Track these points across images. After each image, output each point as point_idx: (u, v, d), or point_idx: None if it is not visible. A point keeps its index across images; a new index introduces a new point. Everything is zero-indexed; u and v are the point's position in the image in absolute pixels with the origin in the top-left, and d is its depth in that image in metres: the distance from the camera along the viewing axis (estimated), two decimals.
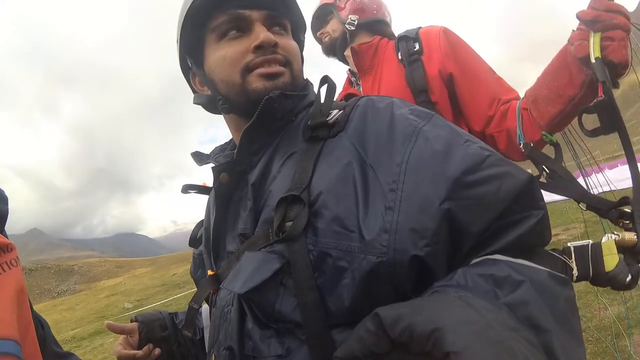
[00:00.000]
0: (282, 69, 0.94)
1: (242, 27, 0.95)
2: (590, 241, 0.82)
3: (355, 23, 1.97)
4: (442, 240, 0.70)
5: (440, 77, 1.66)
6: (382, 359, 0.54)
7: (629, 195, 0.98)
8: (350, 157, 0.80)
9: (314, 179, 0.81)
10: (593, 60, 1.08)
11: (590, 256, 0.80)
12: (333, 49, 2.01)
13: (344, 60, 2.07)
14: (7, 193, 1.13)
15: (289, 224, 0.77)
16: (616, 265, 0.80)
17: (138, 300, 24.09)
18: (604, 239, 0.85)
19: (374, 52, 1.88)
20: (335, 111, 0.91)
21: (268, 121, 0.93)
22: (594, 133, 1.08)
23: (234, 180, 0.95)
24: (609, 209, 0.97)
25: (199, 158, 1.12)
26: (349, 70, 2.06)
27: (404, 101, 0.91)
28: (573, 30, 1.20)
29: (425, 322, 0.50)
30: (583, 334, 3.85)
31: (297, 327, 0.74)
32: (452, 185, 0.71)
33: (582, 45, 1.13)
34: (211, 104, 1.02)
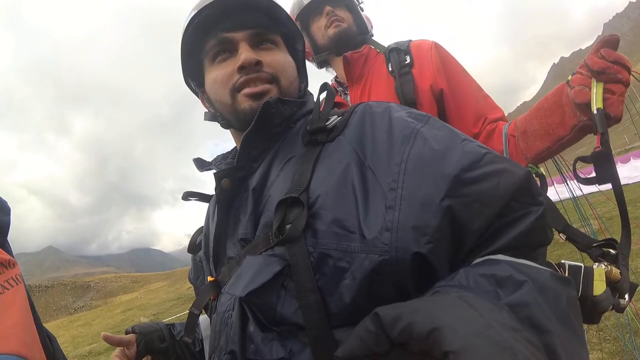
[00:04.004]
0: (267, 87, 0.98)
1: (229, 49, 1.00)
2: (583, 265, 0.84)
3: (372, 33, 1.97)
4: (444, 237, 0.70)
5: (432, 92, 1.66)
6: (382, 358, 0.54)
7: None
8: (349, 159, 0.81)
9: (312, 181, 0.82)
10: (594, 111, 1.10)
11: (582, 278, 0.82)
12: (344, 39, 1.85)
13: (325, 63, 2.01)
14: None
15: (288, 226, 0.78)
16: (603, 292, 0.82)
17: (154, 315, 24.13)
18: (594, 266, 0.87)
19: (364, 61, 1.85)
20: (334, 117, 0.93)
21: (266, 126, 0.95)
22: (588, 181, 1.11)
23: (234, 186, 0.97)
24: (587, 245, 0.98)
25: (200, 164, 1.14)
26: (335, 79, 2.02)
27: (401, 105, 0.93)
28: (573, 74, 1.22)
29: (425, 322, 0.49)
30: (601, 332, 3.77)
31: (299, 330, 0.74)
32: (451, 182, 0.71)
33: (582, 91, 1.15)
34: (215, 121, 1.08)
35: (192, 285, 1.23)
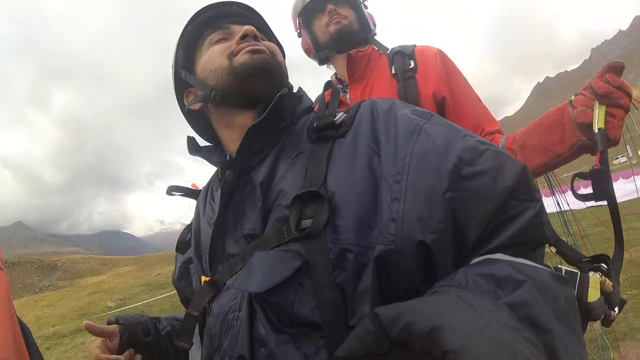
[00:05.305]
0: (266, 49, 1.01)
1: (228, 37, 1.05)
2: (579, 272, 0.85)
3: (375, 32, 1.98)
4: (447, 229, 0.71)
5: (434, 99, 1.68)
6: (382, 358, 0.54)
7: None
8: (368, 156, 0.82)
9: (329, 176, 0.82)
10: (596, 130, 1.15)
11: (578, 283, 0.82)
12: (345, 37, 1.86)
13: (326, 60, 2.02)
14: None
15: (305, 221, 0.77)
16: (597, 299, 0.82)
17: (121, 299, 23.84)
18: (590, 274, 0.88)
19: (367, 61, 1.86)
20: (341, 113, 0.93)
21: (275, 120, 0.95)
22: (584, 198, 1.15)
23: (235, 178, 0.95)
24: (577, 261, 0.99)
25: (193, 146, 1.10)
26: (335, 76, 2.02)
27: (405, 103, 0.95)
28: (575, 95, 1.25)
29: (424, 321, 0.49)
30: None
31: (312, 331, 0.73)
32: (453, 176, 0.73)
33: (585, 112, 1.19)
34: (205, 101, 1.06)
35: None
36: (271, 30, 1.18)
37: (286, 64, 1.15)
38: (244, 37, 1.01)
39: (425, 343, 0.48)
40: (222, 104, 1.03)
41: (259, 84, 0.97)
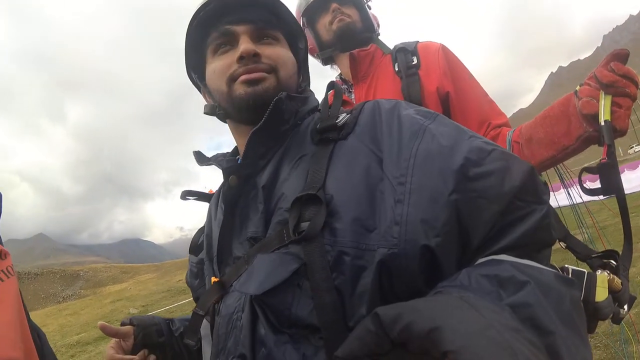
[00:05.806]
0: (264, 74, 0.97)
1: (231, 41, 1.01)
2: (586, 271, 0.83)
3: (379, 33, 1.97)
4: (451, 231, 0.71)
5: (438, 95, 1.66)
6: (382, 358, 0.53)
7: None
8: (368, 159, 0.82)
9: (328, 179, 0.82)
10: (602, 123, 1.11)
11: (585, 283, 0.81)
12: (348, 34, 1.83)
13: (330, 60, 2.01)
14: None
15: (304, 224, 0.78)
16: (605, 299, 0.81)
17: (143, 306, 24.02)
18: (598, 272, 0.87)
19: (370, 60, 1.85)
20: (343, 114, 0.93)
21: (277, 123, 0.95)
22: (592, 193, 1.12)
23: (240, 184, 0.96)
24: (586, 255, 0.97)
25: (200, 158, 1.12)
26: (340, 77, 2.01)
27: (409, 103, 0.94)
28: (581, 85, 1.22)
29: (424, 321, 0.49)
30: (592, 340, 3.82)
31: (311, 333, 0.74)
32: (458, 178, 0.72)
33: (590, 103, 1.16)
34: (214, 112, 1.07)
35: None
36: (284, 13, 1.08)
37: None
38: (241, 57, 0.97)
39: (425, 343, 0.48)
40: (225, 119, 1.07)
41: (255, 114, 0.94)
